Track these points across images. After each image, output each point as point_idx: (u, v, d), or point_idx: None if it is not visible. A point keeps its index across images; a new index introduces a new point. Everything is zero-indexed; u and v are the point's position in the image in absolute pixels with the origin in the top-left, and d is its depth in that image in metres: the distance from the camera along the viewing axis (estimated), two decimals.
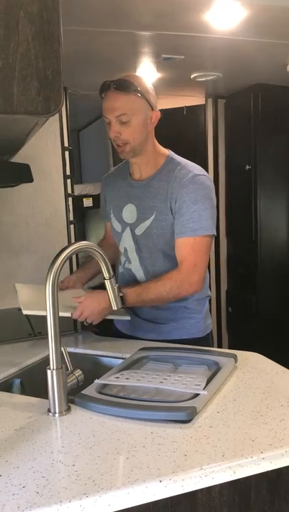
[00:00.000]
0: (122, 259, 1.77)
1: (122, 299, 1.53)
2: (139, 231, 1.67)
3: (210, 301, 1.80)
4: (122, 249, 1.75)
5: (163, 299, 1.60)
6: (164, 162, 1.66)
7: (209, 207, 1.59)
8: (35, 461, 0.96)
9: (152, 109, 1.59)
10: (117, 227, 1.75)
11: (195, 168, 1.64)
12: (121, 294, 1.52)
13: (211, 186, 1.63)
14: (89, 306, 1.57)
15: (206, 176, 1.63)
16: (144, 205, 1.65)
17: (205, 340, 1.73)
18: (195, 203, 1.56)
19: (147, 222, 1.64)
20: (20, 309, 1.62)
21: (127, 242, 1.72)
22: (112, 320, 1.78)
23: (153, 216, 1.63)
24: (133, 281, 1.72)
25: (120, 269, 1.80)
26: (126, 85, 1.52)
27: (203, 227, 1.57)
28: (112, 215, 1.78)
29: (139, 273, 1.71)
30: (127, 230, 1.70)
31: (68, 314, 1.57)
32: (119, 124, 1.55)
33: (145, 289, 1.59)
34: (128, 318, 1.67)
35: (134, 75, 1.60)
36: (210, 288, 1.79)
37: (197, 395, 1.16)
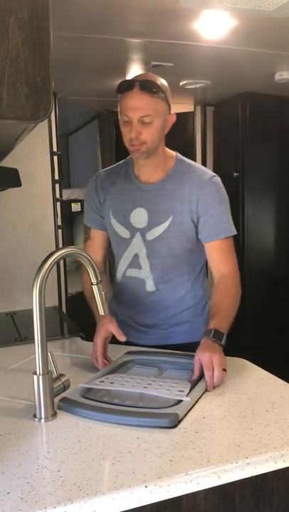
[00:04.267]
0: (122, 266, 1.69)
1: (218, 332, 1.43)
2: (151, 236, 1.61)
3: None
4: (128, 256, 1.66)
5: (237, 308, 1.57)
6: (173, 164, 1.64)
7: (229, 207, 1.63)
8: (20, 467, 0.95)
9: (169, 113, 1.57)
10: (124, 233, 1.66)
11: (207, 169, 1.66)
12: (213, 330, 1.44)
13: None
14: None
15: (219, 178, 1.64)
16: (158, 208, 1.60)
17: None
18: (220, 203, 1.58)
19: (163, 226, 1.59)
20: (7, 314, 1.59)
21: (137, 248, 1.64)
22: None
23: (170, 219, 1.59)
24: (137, 291, 1.66)
25: (119, 278, 1.71)
26: (152, 86, 1.49)
27: (231, 227, 1.61)
28: (113, 220, 1.68)
29: (149, 280, 1.64)
30: (138, 236, 1.63)
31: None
32: (140, 124, 1.50)
33: (225, 311, 1.52)
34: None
35: (156, 76, 1.55)
36: None
37: (180, 401, 1.17)
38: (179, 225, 1.59)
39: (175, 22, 2.05)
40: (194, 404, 1.19)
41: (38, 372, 1.14)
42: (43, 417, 1.14)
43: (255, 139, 3.50)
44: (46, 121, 2.48)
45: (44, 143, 2.56)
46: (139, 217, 1.63)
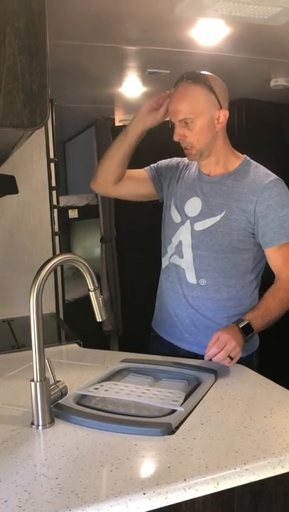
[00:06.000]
0: (169, 251, 1.68)
1: (250, 326, 1.46)
2: (200, 226, 1.60)
3: None
4: (174, 242, 1.66)
5: (283, 312, 1.54)
6: (239, 164, 1.63)
7: None
8: (18, 475, 0.95)
9: (221, 108, 1.54)
10: (176, 217, 1.66)
11: (272, 173, 1.62)
12: (246, 322, 1.46)
13: None
14: None
15: (283, 182, 1.60)
16: (213, 201, 1.59)
17: (248, 360, 1.58)
18: (282, 207, 1.53)
19: (213, 219, 1.58)
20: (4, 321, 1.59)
21: (183, 236, 1.63)
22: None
23: (222, 214, 1.56)
24: (178, 281, 1.63)
25: (166, 262, 1.70)
26: (196, 75, 1.51)
27: None
28: (173, 203, 1.68)
29: (190, 272, 1.61)
30: (187, 224, 1.62)
31: None
32: (182, 127, 1.52)
33: (266, 309, 1.51)
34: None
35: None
36: None
37: (174, 410, 1.16)
38: (230, 222, 1.56)
39: (171, 30, 2.06)
40: (192, 411, 1.19)
41: (35, 379, 1.14)
42: (40, 424, 1.14)
43: (252, 146, 3.49)
44: (43, 128, 2.49)
45: (41, 150, 2.56)
46: (193, 206, 1.62)
